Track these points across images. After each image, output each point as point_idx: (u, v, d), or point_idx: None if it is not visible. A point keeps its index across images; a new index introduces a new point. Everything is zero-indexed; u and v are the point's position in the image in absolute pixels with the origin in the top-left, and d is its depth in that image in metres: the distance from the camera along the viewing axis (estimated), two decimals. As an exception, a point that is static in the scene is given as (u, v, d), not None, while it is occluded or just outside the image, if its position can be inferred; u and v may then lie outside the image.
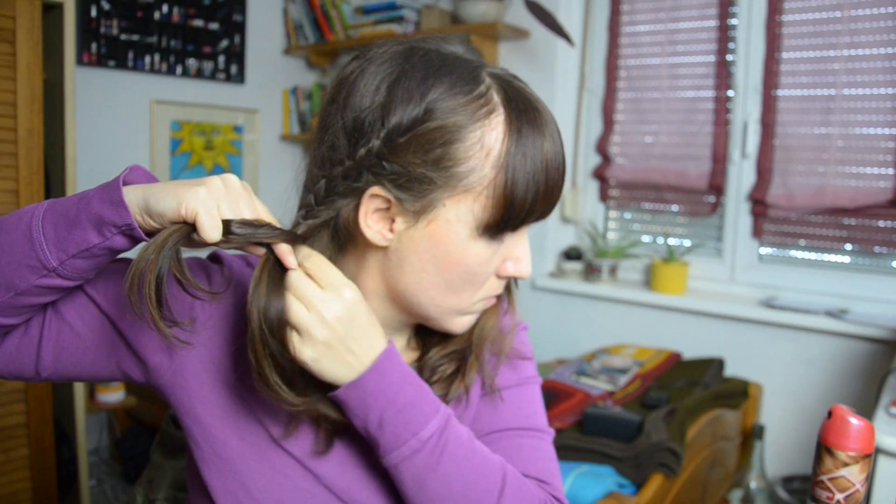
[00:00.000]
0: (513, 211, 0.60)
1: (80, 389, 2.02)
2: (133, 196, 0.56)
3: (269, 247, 0.59)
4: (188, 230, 0.56)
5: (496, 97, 0.60)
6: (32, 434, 1.84)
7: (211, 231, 0.55)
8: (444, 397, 0.69)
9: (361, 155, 0.59)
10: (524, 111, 0.60)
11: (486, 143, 0.59)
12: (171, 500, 0.91)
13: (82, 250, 0.56)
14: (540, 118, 0.61)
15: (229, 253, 0.71)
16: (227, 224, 0.56)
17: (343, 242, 0.65)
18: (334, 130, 0.61)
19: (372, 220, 0.61)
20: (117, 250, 0.58)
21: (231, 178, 0.58)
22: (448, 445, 0.61)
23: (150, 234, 0.57)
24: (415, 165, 0.58)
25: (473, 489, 0.62)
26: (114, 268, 0.66)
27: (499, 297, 0.71)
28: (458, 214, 0.60)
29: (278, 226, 0.59)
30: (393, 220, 0.61)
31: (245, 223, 0.57)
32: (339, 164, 0.60)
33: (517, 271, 0.65)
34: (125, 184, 0.58)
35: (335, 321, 0.58)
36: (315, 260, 0.60)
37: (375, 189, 0.60)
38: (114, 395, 2.33)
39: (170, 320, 0.56)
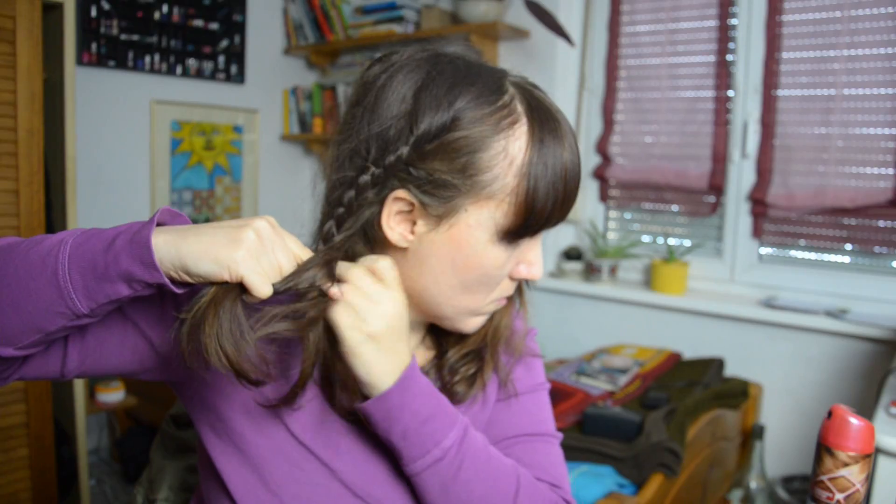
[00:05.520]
0: (532, 218, 0.62)
1: (80, 389, 2.02)
2: (166, 253, 0.55)
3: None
4: (238, 293, 0.56)
5: (520, 107, 0.62)
6: (32, 434, 1.84)
7: (261, 290, 0.55)
8: (465, 396, 0.72)
9: (390, 162, 0.60)
10: (546, 121, 0.62)
11: (509, 152, 0.60)
12: (171, 501, 0.91)
13: (112, 300, 0.57)
14: (560, 129, 0.62)
15: None
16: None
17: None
18: (362, 136, 0.62)
19: (394, 222, 0.63)
20: (149, 296, 0.59)
21: (262, 225, 0.57)
22: (467, 453, 0.64)
23: (184, 283, 0.57)
24: (440, 172, 0.60)
25: (492, 492, 0.65)
26: None
27: (510, 298, 0.73)
28: (479, 220, 0.62)
29: (313, 262, 0.59)
30: (414, 223, 0.63)
31: (288, 279, 0.57)
32: (366, 172, 0.61)
33: (530, 274, 0.68)
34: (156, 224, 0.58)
35: (394, 316, 0.60)
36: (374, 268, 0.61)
37: (400, 192, 0.61)
38: (114, 394, 2.32)
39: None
